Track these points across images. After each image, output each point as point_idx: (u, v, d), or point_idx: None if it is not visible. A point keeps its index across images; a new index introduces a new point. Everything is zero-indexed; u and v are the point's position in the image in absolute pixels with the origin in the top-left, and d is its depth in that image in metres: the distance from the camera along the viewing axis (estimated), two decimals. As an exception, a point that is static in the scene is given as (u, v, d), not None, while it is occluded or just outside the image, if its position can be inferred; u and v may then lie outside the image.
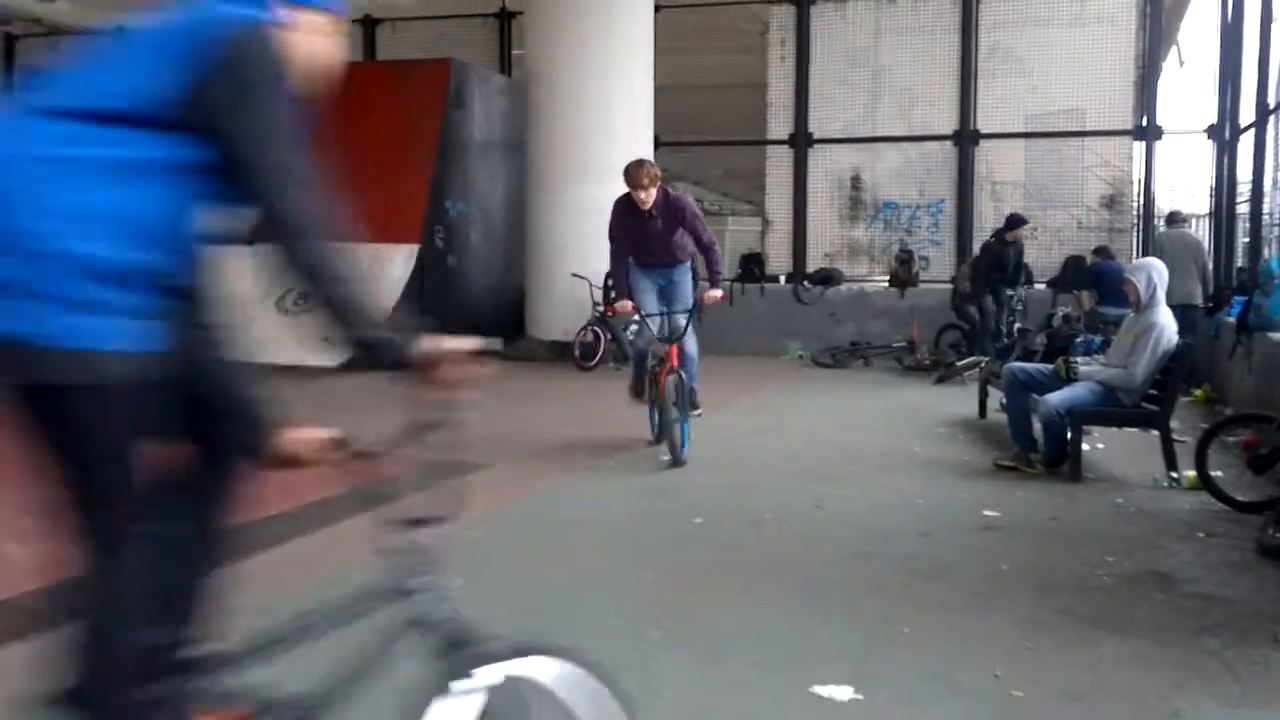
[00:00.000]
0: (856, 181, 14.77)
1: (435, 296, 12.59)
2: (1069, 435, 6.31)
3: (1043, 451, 6.49)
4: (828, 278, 14.42)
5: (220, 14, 1.73)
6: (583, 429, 8.00)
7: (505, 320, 13.23)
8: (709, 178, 27.94)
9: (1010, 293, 11.86)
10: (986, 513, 5.47)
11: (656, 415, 6.85)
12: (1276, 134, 9.83)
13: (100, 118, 1.64)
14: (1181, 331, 6.56)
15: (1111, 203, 14.03)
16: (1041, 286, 13.25)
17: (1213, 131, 12.77)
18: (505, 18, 16.18)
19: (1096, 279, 11.94)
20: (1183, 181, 14.79)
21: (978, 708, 3.12)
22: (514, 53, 15.96)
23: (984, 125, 14.27)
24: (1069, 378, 6.51)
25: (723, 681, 3.27)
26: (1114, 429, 7.08)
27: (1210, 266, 11.44)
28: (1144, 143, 13.83)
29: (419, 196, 12.61)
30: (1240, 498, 5.56)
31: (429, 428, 1.85)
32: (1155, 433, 6.37)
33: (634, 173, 6.86)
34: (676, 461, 6.42)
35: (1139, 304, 6.38)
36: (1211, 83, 12.68)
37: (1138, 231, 14.21)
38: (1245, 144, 10.97)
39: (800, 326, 14.05)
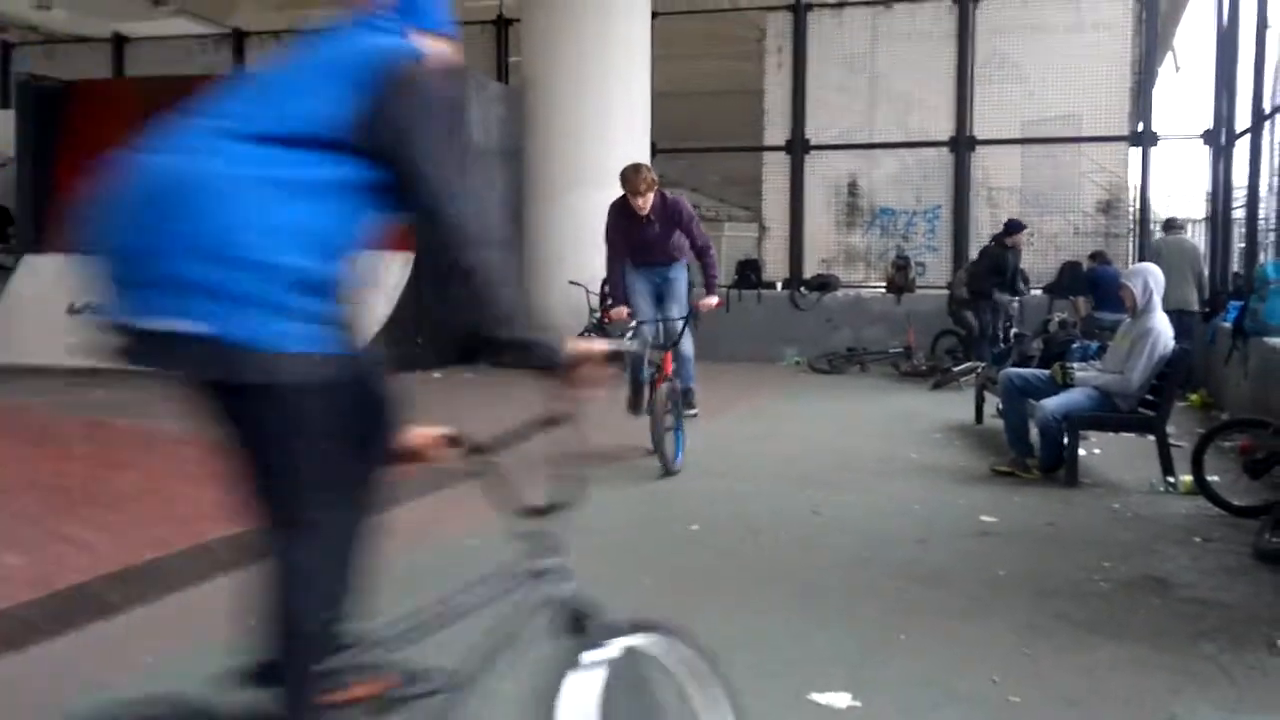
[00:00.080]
0: (853, 187, 14.79)
1: (431, 305, 12.58)
2: (1065, 440, 6.31)
3: (1039, 457, 6.50)
4: (824, 284, 14.43)
5: (383, 46, 1.92)
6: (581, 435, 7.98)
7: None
8: (706, 184, 27.99)
9: (1007, 298, 11.88)
10: (983, 518, 5.47)
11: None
12: (1272, 139, 9.86)
13: (286, 141, 1.80)
14: (1178, 337, 6.57)
15: (1108, 208, 14.05)
16: (1038, 292, 13.27)
17: (1208, 137, 12.80)
18: (502, 25, 16.20)
19: (1093, 284, 11.97)
20: (1179, 187, 14.83)
21: (975, 714, 3.12)
22: (511, 60, 15.98)
23: (980, 131, 14.30)
24: (1065, 383, 6.51)
25: None
26: (1110, 434, 7.09)
27: (1206, 273, 11.47)
28: (1140, 148, 13.86)
29: (416, 204, 12.60)
30: (1237, 502, 5.57)
31: (554, 423, 2.02)
32: (1151, 438, 6.37)
33: (631, 178, 6.81)
34: (668, 472, 6.34)
35: (1135, 309, 6.39)
36: (1207, 88, 12.73)
37: (1134, 237, 14.23)
38: (1241, 149, 11.00)
39: (797, 332, 14.06)
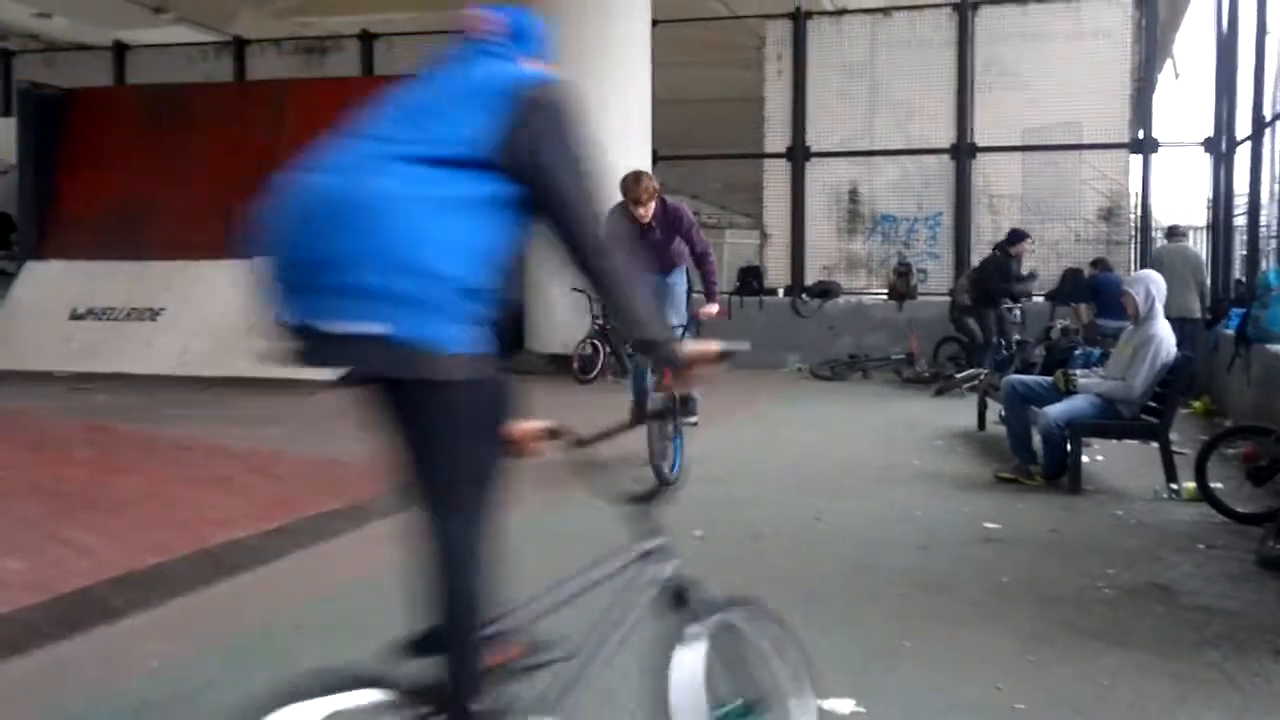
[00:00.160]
0: (854, 194, 14.80)
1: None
2: (1068, 447, 6.31)
3: (1042, 464, 6.49)
4: (826, 290, 14.43)
5: (516, 73, 2.13)
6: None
7: (504, 333, 13.21)
8: (707, 191, 28.02)
9: (1010, 306, 11.88)
10: (986, 525, 5.46)
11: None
12: (1273, 146, 9.87)
13: (443, 163, 1.98)
14: (1180, 344, 6.56)
15: (1109, 215, 14.05)
16: (1040, 299, 13.26)
17: (1209, 144, 12.81)
18: (503, 33, 16.21)
19: (1095, 291, 11.97)
20: (1180, 194, 14.88)
21: (979, 721, 3.12)
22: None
23: (981, 139, 14.31)
24: (1068, 390, 6.51)
25: None
26: (1113, 441, 7.09)
27: (1208, 280, 11.47)
28: (1140, 155, 13.87)
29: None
30: (1240, 509, 5.56)
31: (659, 416, 2.42)
32: (1155, 445, 6.37)
33: (632, 187, 6.75)
34: (663, 482, 6.20)
35: (1137, 316, 6.39)
36: (1208, 95, 12.75)
37: (1135, 244, 14.24)
38: (1242, 156, 11.00)
39: (799, 339, 14.05)
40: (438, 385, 1.96)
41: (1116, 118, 13.92)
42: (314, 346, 1.95)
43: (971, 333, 12.07)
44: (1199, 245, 13.21)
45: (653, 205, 6.81)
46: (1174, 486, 6.12)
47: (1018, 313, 12.14)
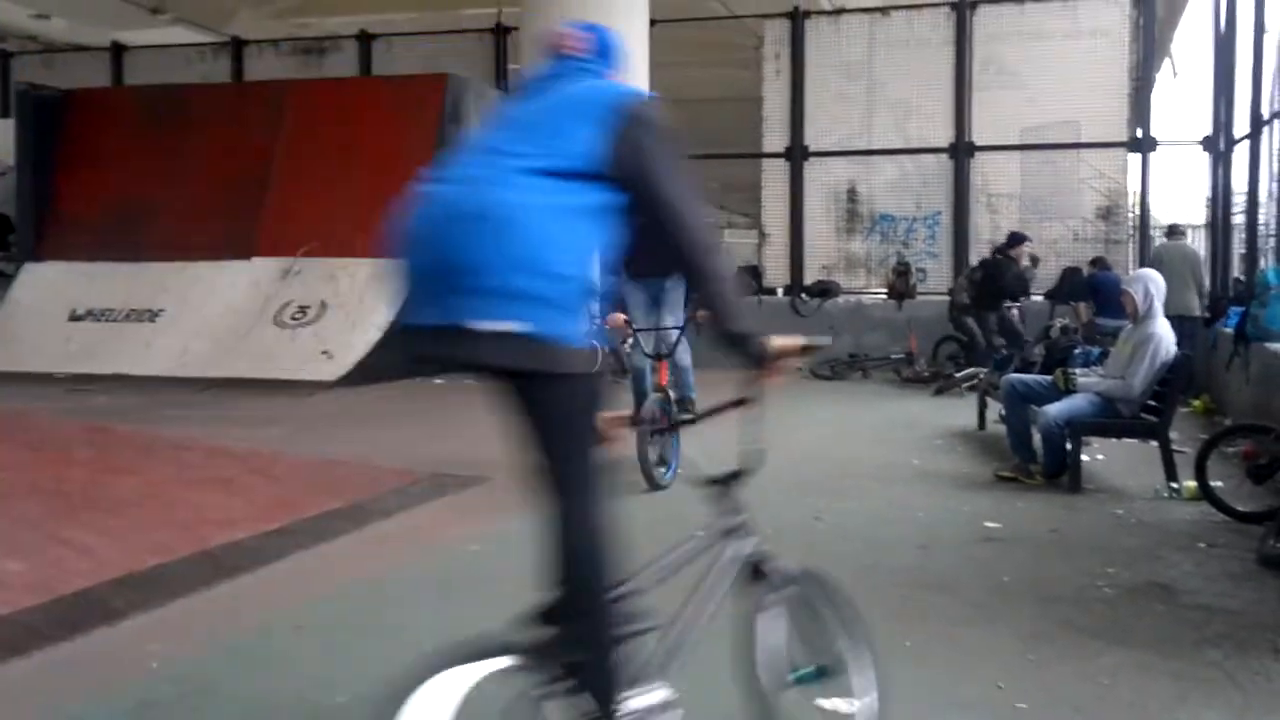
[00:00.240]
0: (853, 194, 14.81)
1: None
2: (1068, 446, 6.31)
3: (1042, 463, 6.49)
4: (825, 290, 14.44)
5: (618, 90, 2.33)
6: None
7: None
8: (706, 191, 27.94)
9: (1009, 305, 11.88)
10: (986, 524, 5.46)
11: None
12: (1271, 144, 9.87)
13: (562, 175, 2.16)
14: (1179, 342, 6.56)
15: (1107, 214, 14.06)
16: (1039, 298, 13.27)
17: (1208, 143, 12.82)
18: (501, 33, 16.23)
19: (1094, 290, 11.97)
20: (1179, 193, 14.90)
21: (980, 719, 3.12)
22: (510, 67, 16.01)
23: (979, 138, 14.32)
24: (1068, 389, 6.51)
25: (723, 694, 3.25)
26: (1113, 440, 7.09)
27: (1206, 279, 11.47)
28: (1139, 154, 13.88)
29: (417, 211, 12.61)
30: (1240, 508, 5.56)
31: (742, 404, 2.50)
32: (1154, 443, 6.36)
33: None
34: (655, 486, 6.07)
35: (1136, 315, 6.39)
36: (1206, 94, 12.75)
37: (1134, 243, 14.25)
38: (1240, 155, 11.01)
39: (798, 339, 14.04)
40: (568, 377, 2.16)
41: (1115, 116, 13.94)
42: (454, 344, 2.12)
43: (971, 332, 12.07)
44: (1198, 244, 13.22)
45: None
46: (1174, 485, 6.12)
47: (1016, 311, 12.13)
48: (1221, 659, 3.58)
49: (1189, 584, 4.46)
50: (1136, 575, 4.57)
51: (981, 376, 9.81)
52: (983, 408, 8.66)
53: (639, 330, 6.94)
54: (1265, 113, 9.88)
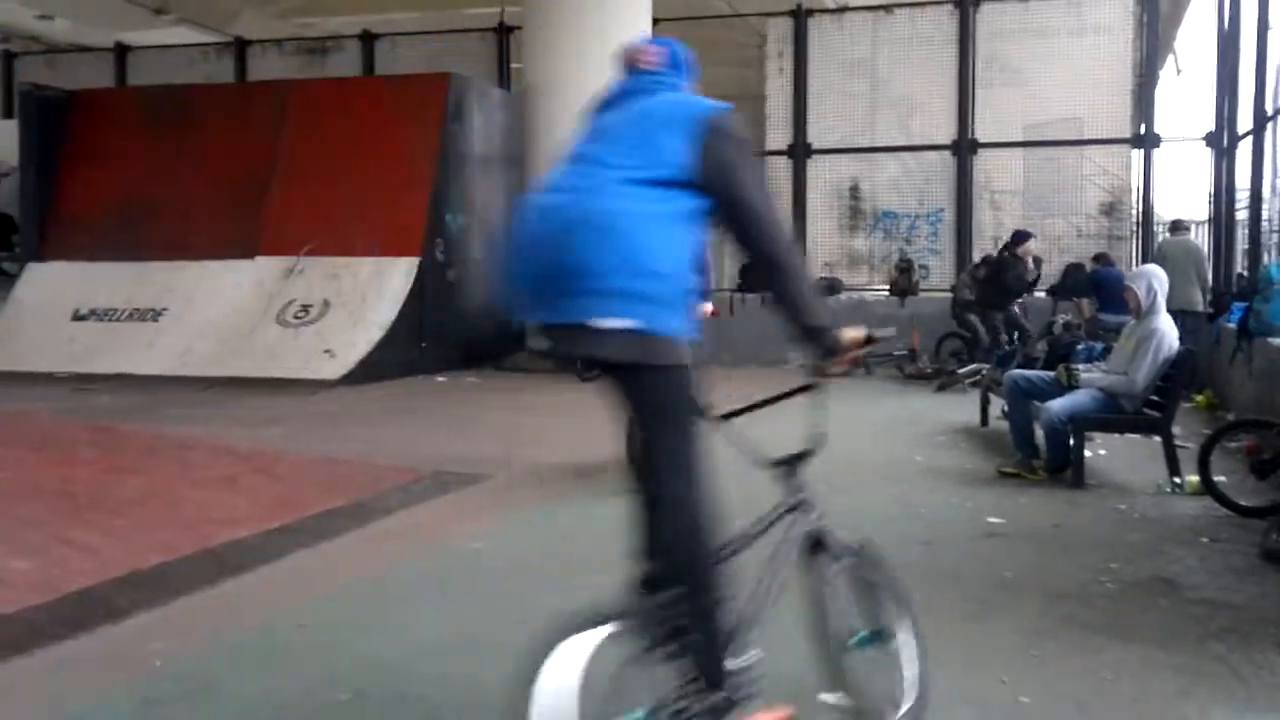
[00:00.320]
0: (855, 191, 14.80)
1: (435, 309, 12.60)
2: (1071, 442, 6.30)
3: (1045, 458, 6.48)
4: (828, 287, 14.40)
5: (701, 102, 2.49)
6: (583, 441, 7.98)
7: (505, 333, 13.22)
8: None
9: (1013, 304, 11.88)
10: (990, 520, 5.46)
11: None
12: (1275, 141, 9.85)
13: (657, 183, 2.35)
14: (1182, 338, 6.55)
15: (1110, 210, 14.05)
16: (1042, 294, 13.26)
17: (1211, 139, 12.79)
18: (503, 32, 16.24)
19: (1096, 286, 11.95)
20: (1182, 189, 14.85)
21: (984, 715, 3.12)
22: (513, 66, 16.01)
23: (982, 135, 14.30)
24: (1070, 385, 6.50)
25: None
26: (1116, 435, 7.08)
27: (1209, 274, 11.45)
28: (1142, 151, 13.86)
29: (419, 210, 12.62)
30: (1244, 503, 5.55)
31: (805, 391, 2.72)
32: (1157, 439, 6.35)
33: None
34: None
35: (1139, 311, 6.38)
36: (1209, 90, 12.73)
37: (1137, 239, 14.23)
38: (1244, 151, 10.99)
39: (801, 336, 14.04)
40: (674, 368, 2.37)
41: (1118, 113, 13.93)
42: (578, 341, 2.34)
43: (974, 328, 12.06)
44: (1201, 239, 13.19)
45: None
46: (1177, 480, 6.11)
47: (1016, 308, 12.12)
48: (1225, 653, 3.57)
49: (1192, 579, 4.45)
50: (1139, 570, 4.57)
51: (984, 372, 9.80)
52: (985, 404, 8.65)
53: None
54: (1269, 109, 9.86)
